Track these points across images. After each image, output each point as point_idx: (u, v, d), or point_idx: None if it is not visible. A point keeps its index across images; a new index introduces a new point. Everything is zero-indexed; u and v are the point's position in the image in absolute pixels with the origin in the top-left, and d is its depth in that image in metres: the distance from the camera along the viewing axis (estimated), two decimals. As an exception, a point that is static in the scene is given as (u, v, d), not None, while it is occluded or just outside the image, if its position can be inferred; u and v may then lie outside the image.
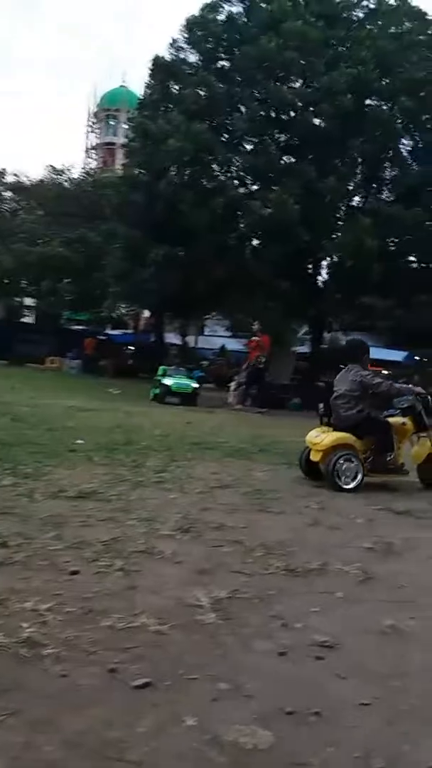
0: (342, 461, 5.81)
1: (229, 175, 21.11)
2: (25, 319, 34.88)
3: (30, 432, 7.28)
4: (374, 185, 21.10)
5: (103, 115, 48.99)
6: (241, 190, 20.67)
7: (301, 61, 18.93)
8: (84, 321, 33.77)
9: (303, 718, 1.96)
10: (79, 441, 6.92)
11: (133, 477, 5.38)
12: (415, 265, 20.65)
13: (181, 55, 21.66)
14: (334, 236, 18.89)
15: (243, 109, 19.91)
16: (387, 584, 3.27)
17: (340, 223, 19.60)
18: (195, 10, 21.91)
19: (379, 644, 2.56)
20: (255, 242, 20.55)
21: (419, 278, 19.69)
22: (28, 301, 33.82)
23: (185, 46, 21.52)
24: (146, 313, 34.17)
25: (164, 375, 17.23)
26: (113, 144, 45.51)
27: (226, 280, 19.91)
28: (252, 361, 16.28)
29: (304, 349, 24.94)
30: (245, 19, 20.78)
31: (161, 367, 18.27)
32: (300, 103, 19.44)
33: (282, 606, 2.83)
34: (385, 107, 19.38)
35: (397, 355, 26.83)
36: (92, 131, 48.29)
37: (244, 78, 19.94)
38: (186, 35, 21.33)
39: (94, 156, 45.91)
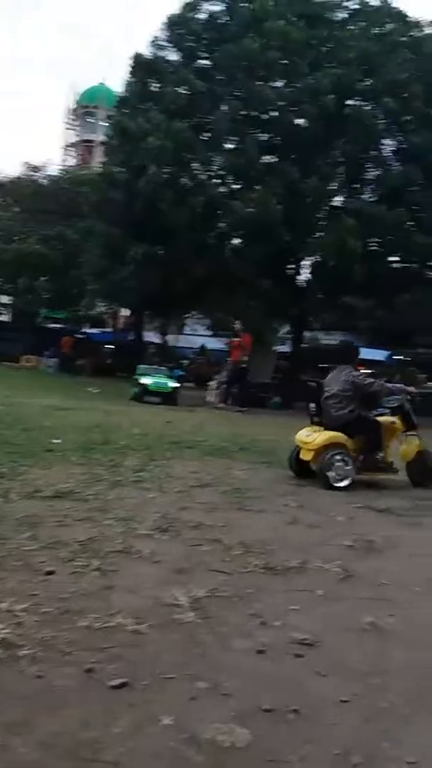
0: (335, 460, 5.86)
1: (209, 173, 21.04)
2: (1, 318, 34.42)
3: (5, 432, 7.16)
4: (357, 185, 21.18)
5: (81, 111, 48.58)
6: (222, 189, 20.61)
7: (284, 61, 18.93)
8: (62, 319, 33.42)
9: (282, 715, 1.94)
10: (56, 440, 6.83)
11: (111, 476, 5.33)
12: (396, 266, 20.78)
13: (162, 54, 21.51)
14: (316, 236, 18.93)
15: (224, 108, 19.87)
16: (367, 582, 3.28)
17: (322, 223, 19.64)
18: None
19: (359, 642, 2.56)
20: (236, 241, 20.51)
21: (401, 278, 19.79)
22: (5, 299, 33.34)
23: (166, 44, 21.41)
24: (125, 312, 33.96)
25: (143, 374, 17.14)
26: (91, 141, 45.14)
27: (206, 279, 19.86)
28: (236, 363, 16.28)
29: (284, 348, 24.99)
30: (227, 18, 20.74)
31: (139, 367, 18.17)
32: (282, 103, 19.45)
33: (261, 604, 2.82)
34: (367, 108, 19.49)
35: (379, 355, 27.03)
36: (70, 128, 47.92)
37: (226, 77, 19.91)
38: (167, 33, 21.23)
39: (72, 153, 45.58)
